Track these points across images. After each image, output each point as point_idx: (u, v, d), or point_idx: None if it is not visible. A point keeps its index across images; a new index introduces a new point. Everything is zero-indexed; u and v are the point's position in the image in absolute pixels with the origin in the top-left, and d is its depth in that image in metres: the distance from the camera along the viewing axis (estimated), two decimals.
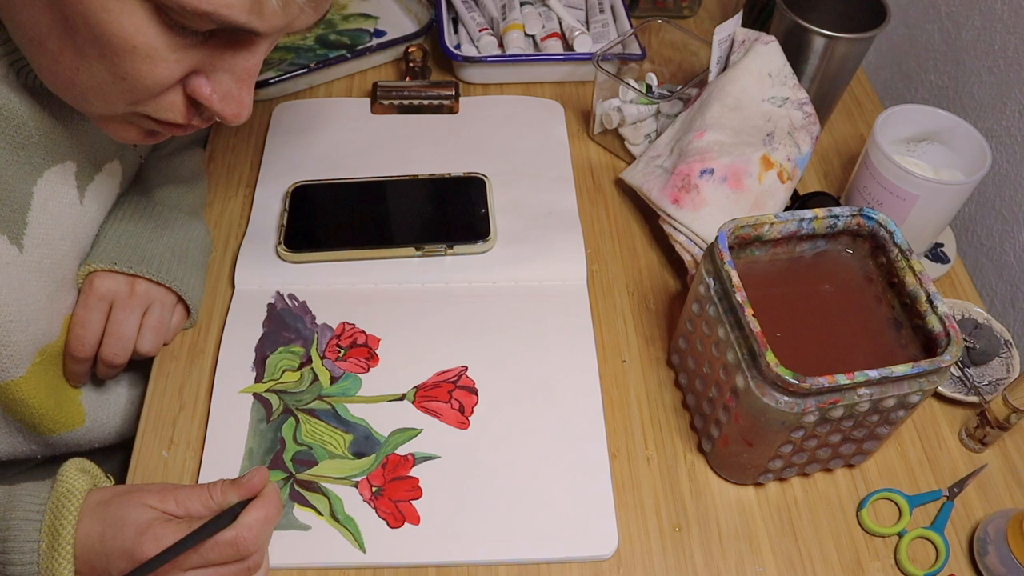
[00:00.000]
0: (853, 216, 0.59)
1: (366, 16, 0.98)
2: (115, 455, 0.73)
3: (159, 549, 0.46)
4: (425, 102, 0.86)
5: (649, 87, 0.84)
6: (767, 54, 0.76)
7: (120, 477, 0.62)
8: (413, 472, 0.61)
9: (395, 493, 0.60)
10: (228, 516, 0.49)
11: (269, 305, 0.70)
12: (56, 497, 0.49)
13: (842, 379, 0.50)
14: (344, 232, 0.74)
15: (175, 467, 0.62)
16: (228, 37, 0.47)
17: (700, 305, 0.59)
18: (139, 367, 0.72)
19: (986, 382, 0.68)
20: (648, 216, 0.80)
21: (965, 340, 0.69)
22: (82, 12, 0.42)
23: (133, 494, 0.50)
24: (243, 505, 0.51)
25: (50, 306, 0.59)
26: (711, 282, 0.58)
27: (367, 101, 0.88)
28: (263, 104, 0.88)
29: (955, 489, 0.63)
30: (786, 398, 0.51)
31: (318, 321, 0.69)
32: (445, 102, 0.86)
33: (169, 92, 0.48)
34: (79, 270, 0.62)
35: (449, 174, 0.79)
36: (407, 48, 0.90)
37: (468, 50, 0.91)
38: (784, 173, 0.73)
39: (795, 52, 0.78)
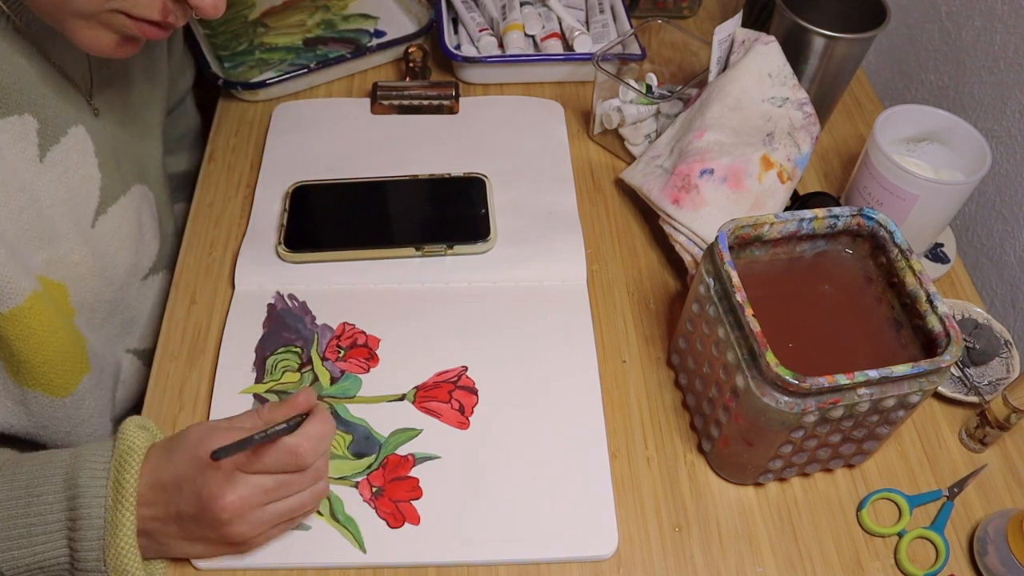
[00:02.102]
0: (853, 216, 0.59)
1: (366, 16, 0.98)
2: None
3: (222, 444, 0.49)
4: (425, 102, 0.86)
5: (649, 87, 0.84)
6: (767, 54, 0.76)
7: None
8: (413, 472, 0.61)
9: (395, 493, 0.60)
10: (287, 428, 0.51)
11: (269, 305, 0.70)
12: (119, 454, 0.52)
13: (842, 379, 0.50)
14: (344, 232, 0.74)
15: None
16: None
17: (700, 305, 0.59)
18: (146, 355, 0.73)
19: (986, 382, 0.68)
20: (648, 216, 0.80)
21: (965, 340, 0.69)
22: None
23: (188, 427, 0.54)
24: (297, 421, 0.52)
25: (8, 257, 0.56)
26: (711, 282, 0.58)
27: (367, 101, 0.88)
28: (263, 104, 0.88)
29: (955, 489, 0.63)
30: (786, 398, 0.51)
31: (318, 321, 0.69)
32: (445, 102, 0.86)
33: None
34: None
35: (449, 174, 0.79)
36: (407, 48, 0.90)
37: (468, 50, 0.91)
38: (784, 173, 0.73)
39: (795, 52, 0.78)
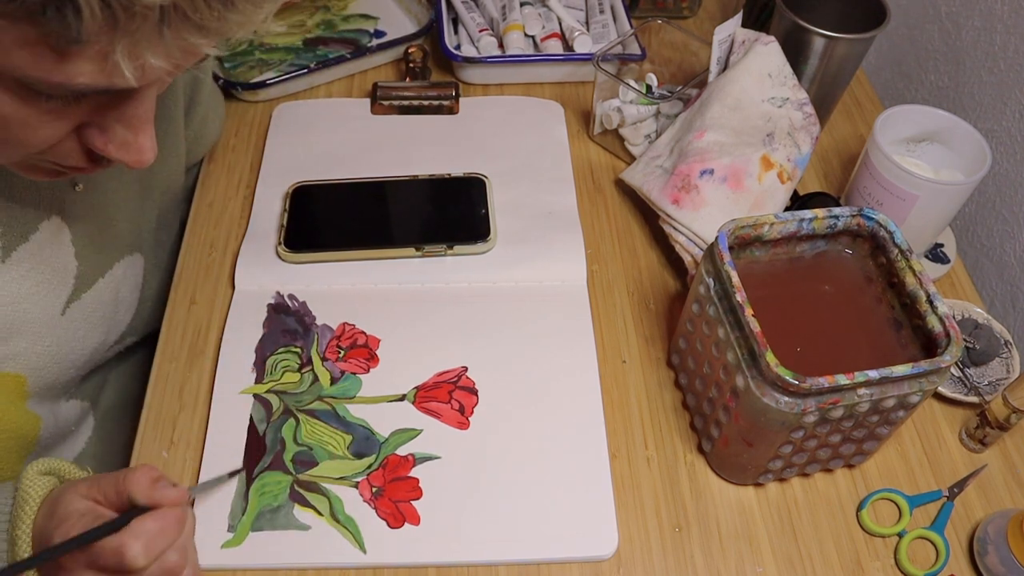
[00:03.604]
0: (853, 216, 0.59)
1: (366, 16, 0.98)
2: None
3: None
4: (425, 102, 0.86)
5: (649, 87, 0.84)
6: (767, 54, 0.76)
7: None
8: (413, 472, 0.61)
9: (395, 493, 0.60)
10: (123, 520, 0.47)
11: (269, 306, 0.70)
12: (16, 505, 0.50)
13: (842, 379, 0.50)
14: (344, 232, 0.74)
15: (175, 467, 0.62)
16: (104, 93, 0.44)
17: (700, 305, 0.59)
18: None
19: (986, 382, 0.68)
20: (648, 216, 0.80)
21: (965, 340, 0.69)
22: None
23: (75, 484, 0.50)
24: (127, 518, 0.47)
25: None
26: (711, 282, 0.58)
27: (367, 101, 0.88)
28: (263, 104, 0.88)
29: (955, 489, 0.63)
30: (786, 398, 0.51)
31: (318, 322, 0.69)
32: (445, 102, 0.86)
33: (63, 142, 0.46)
34: None
35: (449, 174, 0.79)
36: (407, 48, 0.90)
37: (468, 51, 0.91)
38: (784, 173, 0.73)
39: (795, 52, 0.78)
